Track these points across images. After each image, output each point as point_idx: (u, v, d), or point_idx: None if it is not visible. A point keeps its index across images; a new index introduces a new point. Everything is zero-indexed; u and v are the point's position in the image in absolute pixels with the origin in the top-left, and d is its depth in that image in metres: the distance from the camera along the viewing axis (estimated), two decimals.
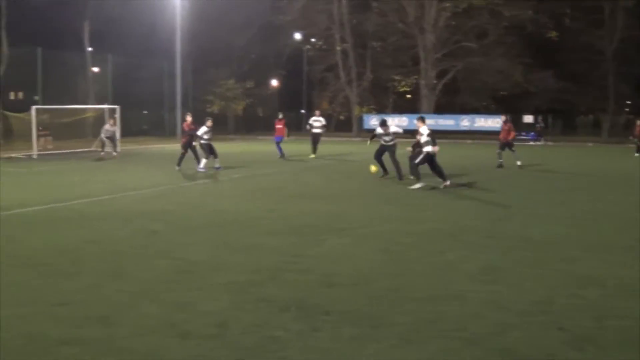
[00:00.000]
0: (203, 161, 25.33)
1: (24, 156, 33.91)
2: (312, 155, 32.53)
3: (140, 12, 55.69)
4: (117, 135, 35.09)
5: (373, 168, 22.53)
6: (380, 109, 67.49)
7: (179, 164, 25.86)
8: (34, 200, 17.08)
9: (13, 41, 49.08)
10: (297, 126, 62.76)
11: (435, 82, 61.10)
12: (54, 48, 50.57)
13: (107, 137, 33.48)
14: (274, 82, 78.39)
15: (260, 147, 43.33)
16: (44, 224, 13.66)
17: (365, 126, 59.63)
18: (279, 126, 32.47)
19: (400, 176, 21.78)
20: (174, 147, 37.34)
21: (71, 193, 18.72)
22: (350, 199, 17.68)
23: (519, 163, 27.08)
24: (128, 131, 48.66)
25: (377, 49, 66.54)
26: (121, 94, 52.38)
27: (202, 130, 25.50)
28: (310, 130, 33.90)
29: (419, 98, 62.79)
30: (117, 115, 38.45)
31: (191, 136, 25.92)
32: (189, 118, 26.66)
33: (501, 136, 27.96)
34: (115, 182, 21.98)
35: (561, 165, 29.13)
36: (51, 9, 51.78)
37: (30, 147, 35.01)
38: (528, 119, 55.83)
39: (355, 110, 63.70)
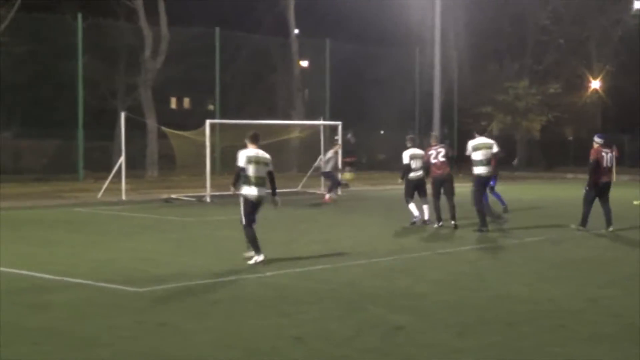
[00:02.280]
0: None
1: (190, 198, 24.12)
2: None
3: None
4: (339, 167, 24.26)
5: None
6: None
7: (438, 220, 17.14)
8: (203, 268, 11.62)
9: (177, 19, 35.59)
10: (634, 156, 42.37)
11: None
12: (239, 29, 37.63)
13: (325, 172, 23.77)
14: (596, 84, 48.48)
15: (567, 191, 26.02)
16: (219, 308, 8.96)
17: None
18: None
19: None
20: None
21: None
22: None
23: None
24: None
25: None
26: (345, 102, 39.57)
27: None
28: None
29: None
30: (339, 135, 27.35)
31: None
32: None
33: None
34: (334, 242, 14.89)
35: None
36: None
37: (201, 182, 24.89)
38: None
39: None
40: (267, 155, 12.17)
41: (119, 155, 24.63)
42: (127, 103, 33.58)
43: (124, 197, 23.46)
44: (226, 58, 36.60)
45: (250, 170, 11.74)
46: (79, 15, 31.25)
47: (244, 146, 12.22)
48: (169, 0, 34.57)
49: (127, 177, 24.39)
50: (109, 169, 26.31)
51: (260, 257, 11.68)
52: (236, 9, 39.67)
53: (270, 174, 12.10)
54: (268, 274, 11.07)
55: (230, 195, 22.75)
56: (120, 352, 7.02)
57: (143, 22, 33.49)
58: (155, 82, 34.67)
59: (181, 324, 8.05)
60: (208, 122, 24.78)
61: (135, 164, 30.90)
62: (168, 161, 31.40)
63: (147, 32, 33.71)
